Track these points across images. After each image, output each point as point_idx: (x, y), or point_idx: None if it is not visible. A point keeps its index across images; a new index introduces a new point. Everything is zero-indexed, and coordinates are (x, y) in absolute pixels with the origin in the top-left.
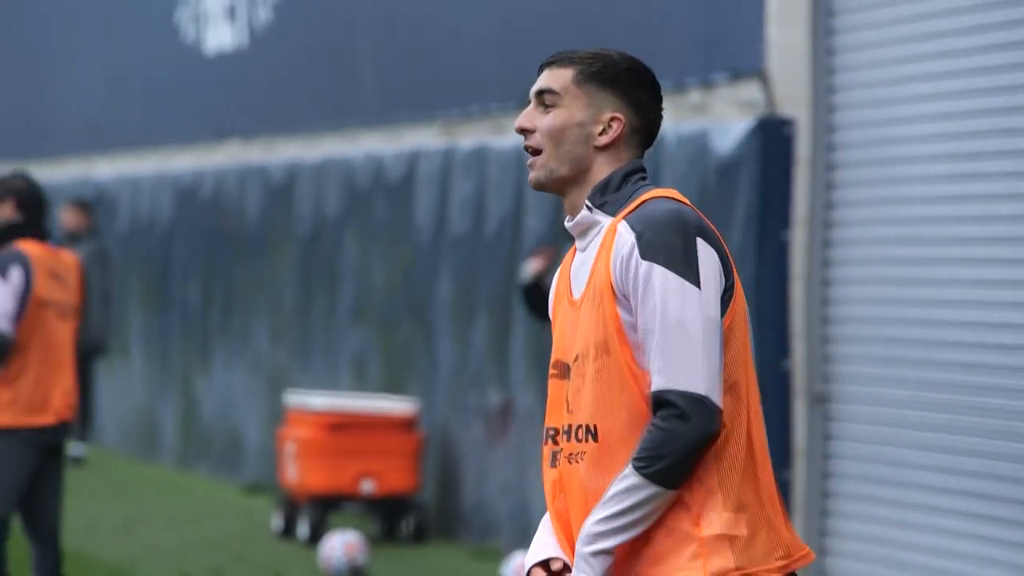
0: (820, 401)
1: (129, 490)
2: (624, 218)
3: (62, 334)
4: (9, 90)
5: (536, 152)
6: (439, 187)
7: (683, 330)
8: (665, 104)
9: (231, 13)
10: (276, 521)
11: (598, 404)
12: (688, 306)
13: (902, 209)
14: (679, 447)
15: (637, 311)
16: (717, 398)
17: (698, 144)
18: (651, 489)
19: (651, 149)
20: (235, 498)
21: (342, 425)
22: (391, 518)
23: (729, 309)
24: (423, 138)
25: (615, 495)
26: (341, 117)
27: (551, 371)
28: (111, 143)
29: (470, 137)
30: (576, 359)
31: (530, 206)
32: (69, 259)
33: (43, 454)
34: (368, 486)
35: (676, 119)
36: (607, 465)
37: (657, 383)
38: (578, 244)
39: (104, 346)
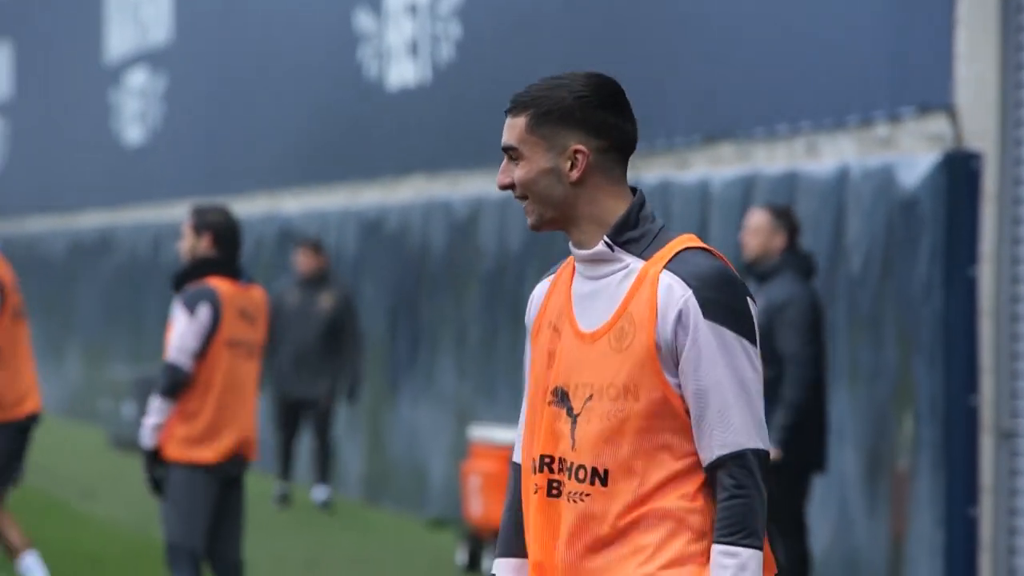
0: (1008, 437)
1: (315, 525)
2: (666, 267)
3: (247, 373)
4: (199, 127)
5: (524, 199)
6: None
7: (747, 391)
8: (851, 138)
9: (414, 49)
10: (461, 555)
11: (608, 445)
12: (749, 367)
13: None
14: (759, 510)
15: (689, 364)
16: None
17: (884, 178)
18: (758, 556)
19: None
20: (420, 532)
21: None
22: None
23: None
24: None
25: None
26: None
27: (546, 396)
28: (297, 179)
29: (653, 171)
30: (589, 397)
31: (714, 237)
32: (259, 296)
33: (222, 488)
34: None
35: (862, 153)
36: (608, 507)
37: (727, 441)
38: (584, 271)
39: (357, 392)
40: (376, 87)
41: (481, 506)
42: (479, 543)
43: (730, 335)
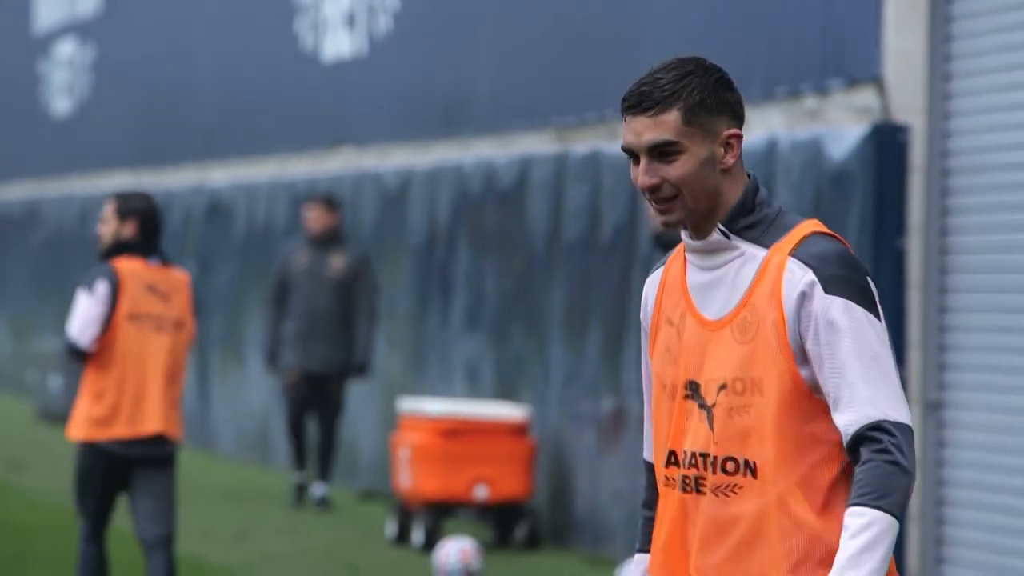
0: (935, 408)
1: (244, 497)
2: (791, 254)
3: (155, 348)
4: (127, 99)
5: (670, 199)
6: (552, 193)
7: (879, 363)
8: (780, 110)
9: (350, 21)
10: (390, 528)
11: (751, 438)
12: (879, 340)
13: (1019, 215)
14: (905, 481)
15: (817, 344)
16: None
17: (812, 150)
18: (888, 520)
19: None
20: (349, 504)
21: (456, 431)
22: (505, 524)
23: None
24: (535, 144)
25: (856, 533)
26: (454, 124)
27: (677, 391)
28: (226, 150)
29: (584, 143)
30: (722, 387)
31: (644, 212)
32: (177, 277)
33: (130, 467)
34: (482, 492)
35: (791, 125)
36: (760, 501)
37: (867, 414)
38: (697, 261)
39: (368, 365)
40: (311, 58)
41: (410, 478)
42: (408, 515)
43: (857, 309)
